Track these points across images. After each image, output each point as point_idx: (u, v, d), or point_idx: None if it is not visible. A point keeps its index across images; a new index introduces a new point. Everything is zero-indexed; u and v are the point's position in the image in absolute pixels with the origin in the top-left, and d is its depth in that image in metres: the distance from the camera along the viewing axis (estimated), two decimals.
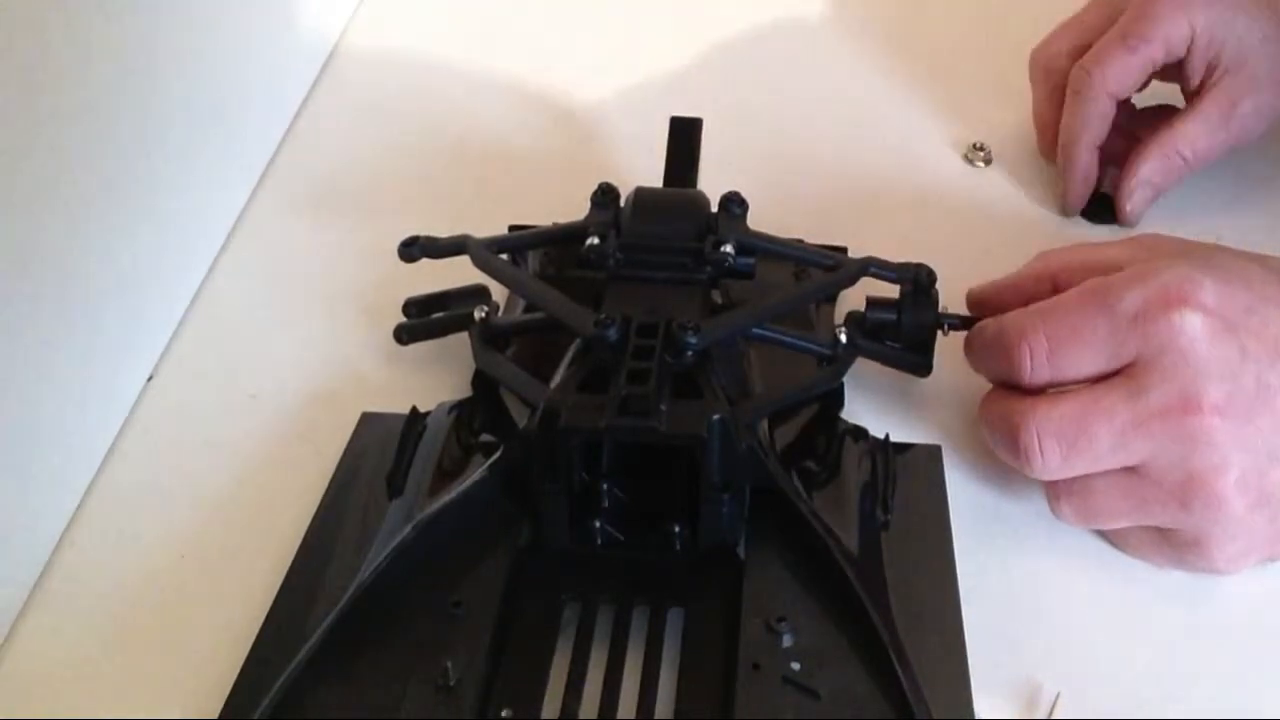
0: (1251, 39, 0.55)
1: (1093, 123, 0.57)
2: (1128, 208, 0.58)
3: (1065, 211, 0.59)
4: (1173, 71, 0.57)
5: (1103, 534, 0.45)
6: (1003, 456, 0.45)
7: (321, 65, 0.70)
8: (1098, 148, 0.58)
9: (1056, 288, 0.47)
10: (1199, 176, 0.58)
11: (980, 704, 0.39)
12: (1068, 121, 0.58)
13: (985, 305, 0.49)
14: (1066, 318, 0.43)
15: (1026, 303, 0.46)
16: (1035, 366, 0.43)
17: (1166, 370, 0.41)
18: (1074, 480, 0.43)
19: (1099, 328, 0.42)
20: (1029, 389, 0.44)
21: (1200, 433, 0.40)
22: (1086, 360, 0.42)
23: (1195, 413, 0.40)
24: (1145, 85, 0.57)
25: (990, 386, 0.47)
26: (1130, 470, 0.42)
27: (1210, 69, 0.56)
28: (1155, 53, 0.55)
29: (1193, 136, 0.56)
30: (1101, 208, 0.59)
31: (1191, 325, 0.41)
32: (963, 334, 0.49)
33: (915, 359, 0.49)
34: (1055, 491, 0.44)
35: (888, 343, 0.49)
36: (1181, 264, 0.42)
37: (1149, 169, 0.57)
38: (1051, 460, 0.42)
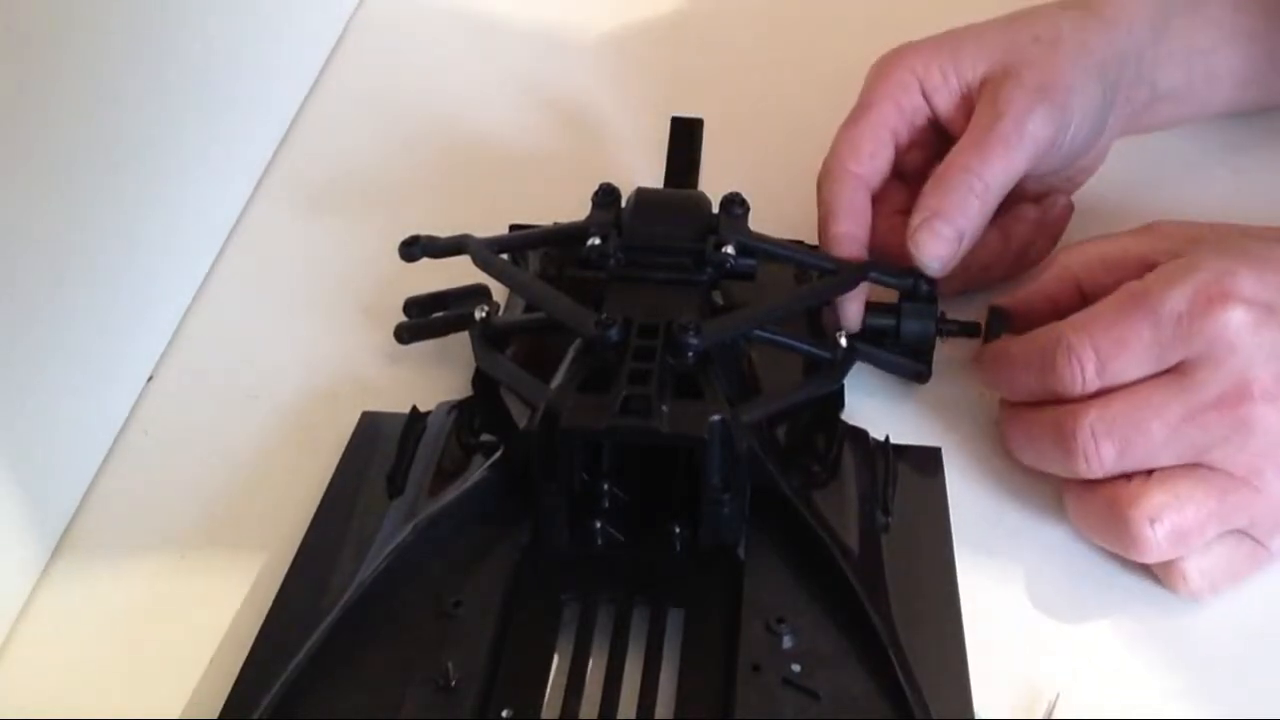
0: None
1: None
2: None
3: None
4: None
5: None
6: (1049, 462, 0.45)
7: (321, 65, 0.70)
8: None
9: (1082, 290, 0.47)
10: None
11: (980, 704, 0.39)
12: None
13: (1016, 318, 0.49)
14: (1111, 329, 0.43)
15: (1057, 310, 0.46)
16: (1086, 380, 0.43)
17: (1215, 364, 0.41)
18: (1156, 504, 0.42)
19: (1144, 334, 0.42)
20: (1077, 400, 0.44)
21: (1255, 419, 0.41)
22: (1134, 367, 0.42)
23: (1247, 400, 0.41)
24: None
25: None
26: (1196, 467, 0.42)
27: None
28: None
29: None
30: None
31: (1235, 319, 0.41)
32: (960, 340, 0.49)
33: (914, 365, 0.49)
34: (1141, 517, 0.42)
35: (887, 347, 0.49)
36: (1211, 256, 0.43)
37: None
38: (1107, 457, 0.43)
